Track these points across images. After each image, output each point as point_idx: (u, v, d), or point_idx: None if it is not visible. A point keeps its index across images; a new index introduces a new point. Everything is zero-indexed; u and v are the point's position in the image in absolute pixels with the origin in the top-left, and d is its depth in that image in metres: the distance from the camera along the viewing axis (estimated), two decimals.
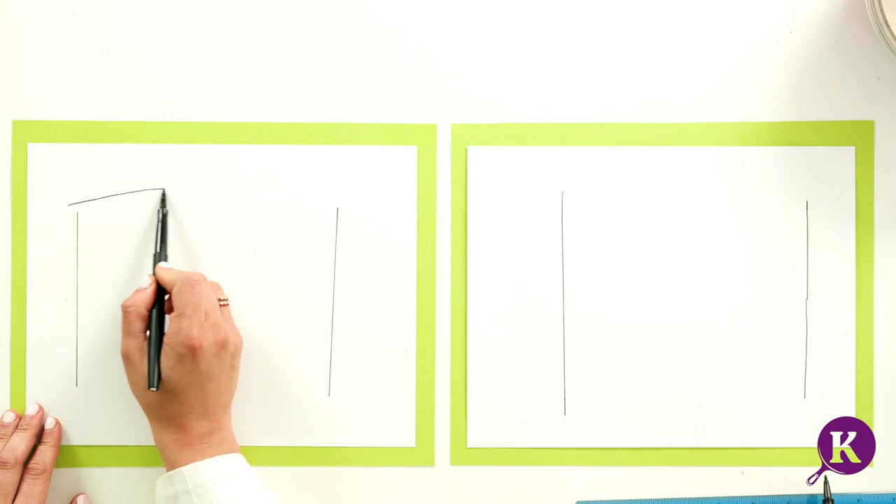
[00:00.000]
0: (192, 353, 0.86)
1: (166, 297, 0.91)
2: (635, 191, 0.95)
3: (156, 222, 0.94)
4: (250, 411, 0.95)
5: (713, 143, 0.95)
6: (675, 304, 0.95)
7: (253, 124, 0.95)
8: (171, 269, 0.92)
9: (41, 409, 0.94)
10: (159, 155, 0.95)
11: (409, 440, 0.95)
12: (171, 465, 0.88)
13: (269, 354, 0.95)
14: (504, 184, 0.95)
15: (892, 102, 0.95)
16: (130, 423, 0.95)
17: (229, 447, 0.90)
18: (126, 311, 0.89)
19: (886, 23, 0.87)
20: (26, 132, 0.95)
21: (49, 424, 0.94)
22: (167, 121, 0.95)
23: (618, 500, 0.95)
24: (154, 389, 0.87)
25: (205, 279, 0.90)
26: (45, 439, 0.94)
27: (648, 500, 0.95)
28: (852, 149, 0.95)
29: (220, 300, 0.92)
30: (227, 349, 0.89)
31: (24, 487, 0.91)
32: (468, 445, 0.95)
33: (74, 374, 0.95)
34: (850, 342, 0.95)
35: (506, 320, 0.95)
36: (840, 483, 0.93)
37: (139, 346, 0.89)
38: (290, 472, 0.95)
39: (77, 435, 0.95)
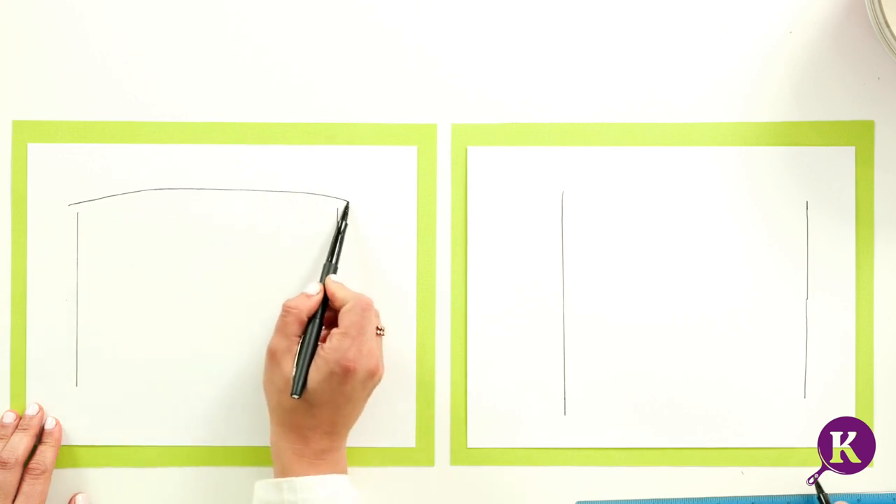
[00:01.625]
0: (344, 373, 0.86)
1: (326, 310, 0.91)
2: (635, 191, 0.95)
3: (334, 233, 0.93)
4: (251, 411, 0.95)
5: (713, 143, 0.95)
6: (675, 304, 0.95)
7: (253, 124, 0.95)
8: (341, 284, 0.91)
9: (41, 409, 0.94)
10: (159, 155, 0.95)
11: (409, 440, 0.95)
12: (283, 472, 0.88)
13: None
14: (504, 184, 0.95)
15: (892, 102, 0.95)
16: (130, 423, 0.95)
17: (341, 468, 0.90)
18: (287, 311, 0.89)
19: (886, 23, 0.87)
20: (26, 132, 0.95)
21: (49, 424, 0.94)
22: (167, 121, 0.95)
23: (618, 501, 0.95)
24: (296, 397, 0.87)
25: (372, 304, 0.90)
26: (45, 439, 0.93)
27: (649, 500, 0.95)
28: (852, 149, 0.95)
29: (377, 329, 0.91)
30: (374, 379, 0.89)
31: (25, 487, 0.91)
32: (468, 445, 0.95)
33: (74, 374, 0.95)
34: (850, 342, 0.95)
35: (506, 320, 0.95)
36: (840, 483, 0.93)
37: (289, 349, 0.88)
38: None
39: (77, 435, 0.94)
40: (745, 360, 0.95)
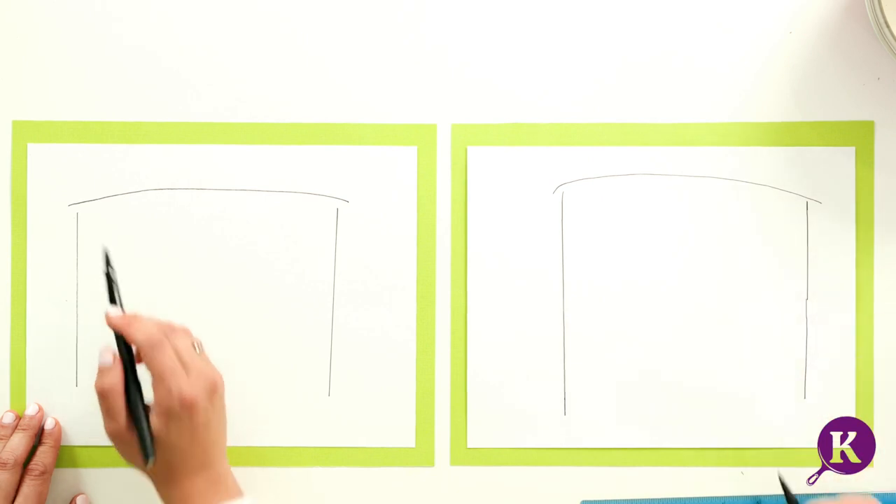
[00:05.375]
0: (188, 410, 0.84)
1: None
2: (635, 191, 0.95)
3: (106, 282, 0.89)
4: (251, 411, 0.95)
5: (713, 143, 0.95)
6: (675, 304, 0.95)
7: (253, 124, 0.95)
8: (128, 321, 0.87)
9: (41, 409, 0.94)
10: (159, 155, 0.95)
11: (409, 440, 0.95)
12: None
13: (269, 355, 0.95)
14: (504, 184, 0.95)
15: (892, 102, 0.95)
16: None
17: (237, 492, 0.87)
18: (102, 395, 0.85)
19: (886, 23, 0.87)
20: (26, 132, 0.95)
21: (49, 425, 0.94)
22: (167, 121, 0.95)
23: (621, 500, 0.95)
24: (153, 459, 0.84)
25: (172, 330, 0.87)
26: (44, 440, 0.93)
27: (650, 499, 0.95)
28: (852, 149, 0.95)
29: (193, 346, 0.88)
30: (218, 392, 0.87)
31: (24, 488, 0.91)
32: (468, 445, 0.95)
33: (74, 374, 0.95)
34: (850, 342, 0.95)
35: (506, 320, 0.95)
36: (840, 483, 0.93)
37: (126, 425, 0.85)
38: (291, 472, 0.95)
39: (77, 435, 0.94)
40: (745, 360, 0.95)
